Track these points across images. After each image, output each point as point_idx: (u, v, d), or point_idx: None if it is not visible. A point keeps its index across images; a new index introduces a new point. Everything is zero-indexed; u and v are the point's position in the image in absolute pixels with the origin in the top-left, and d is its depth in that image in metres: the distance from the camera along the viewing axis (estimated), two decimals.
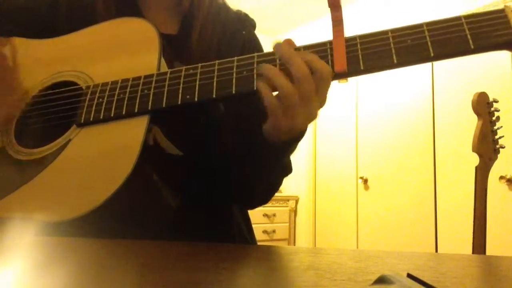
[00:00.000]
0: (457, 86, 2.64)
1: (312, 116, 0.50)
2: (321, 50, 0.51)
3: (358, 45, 0.50)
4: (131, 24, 0.61)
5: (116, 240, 0.45)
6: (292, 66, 0.49)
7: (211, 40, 0.67)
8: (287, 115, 0.49)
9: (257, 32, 0.77)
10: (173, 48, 0.64)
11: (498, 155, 1.31)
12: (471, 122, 1.41)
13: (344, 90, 3.37)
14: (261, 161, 0.58)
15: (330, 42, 0.51)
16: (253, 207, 0.71)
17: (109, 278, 0.26)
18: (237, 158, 0.61)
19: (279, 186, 0.66)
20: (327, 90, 0.50)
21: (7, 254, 0.33)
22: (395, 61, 0.48)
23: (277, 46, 0.51)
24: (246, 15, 0.76)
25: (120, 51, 0.59)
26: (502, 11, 0.46)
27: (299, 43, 0.53)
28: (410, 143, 2.88)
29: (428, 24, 0.48)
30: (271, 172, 0.61)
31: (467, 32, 0.47)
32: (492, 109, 1.32)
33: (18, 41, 0.65)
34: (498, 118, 1.32)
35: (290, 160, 0.64)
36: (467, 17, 0.47)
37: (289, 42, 0.52)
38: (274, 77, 0.49)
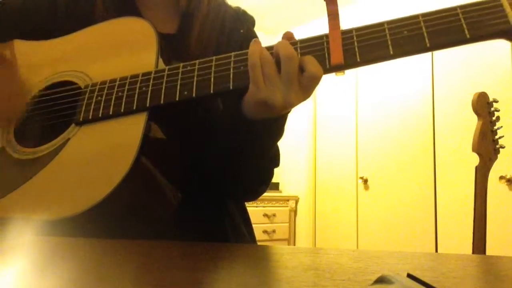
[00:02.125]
0: (457, 86, 2.64)
1: (291, 102, 0.50)
2: (318, 43, 0.51)
3: (354, 37, 0.50)
4: (129, 23, 0.61)
5: (116, 240, 0.45)
6: (278, 46, 0.50)
7: (210, 39, 0.67)
8: (266, 84, 0.50)
9: (256, 30, 0.77)
10: (172, 47, 0.64)
11: (498, 155, 1.31)
12: (471, 122, 1.41)
13: (344, 90, 3.37)
14: (243, 140, 0.57)
15: (326, 35, 0.51)
16: (242, 198, 0.70)
17: (109, 278, 0.26)
18: (222, 148, 0.61)
19: (267, 176, 0.65)
20: (314, 87, 0.50)
21: (7, 254, 0.33)
22: (391, 52, 0.48)
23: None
24: (244, 13, 0.76)
25: (118, 51, 0.60)
26: None
27: None
28: (410, 143, 2.88)
29: (424, 15, 0.49)
30: (254, 155, 0.60)
31: (463, 21, 0.47)
32: (492, 109, 1.32)
33: (17, 43, 0.65)
34: (498, 118, 1.32)
35: (277, 150, 0.63)
36: (462, 6, 0.48)
37: (287, 34, 0.53)
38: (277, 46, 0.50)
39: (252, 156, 0.60)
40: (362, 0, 3.23)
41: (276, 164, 0.64)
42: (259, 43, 0.52)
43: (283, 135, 0.60)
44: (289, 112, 0.55)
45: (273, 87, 0.49)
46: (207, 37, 0.67)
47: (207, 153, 0.61)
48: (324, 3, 0.52)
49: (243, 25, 0.73)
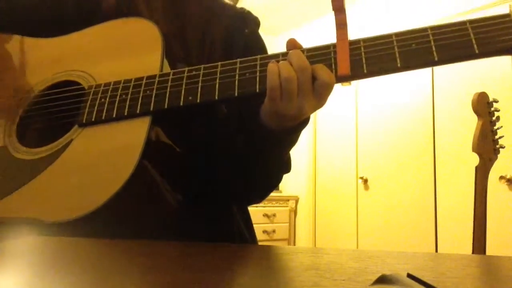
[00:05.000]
0: (457, 86, 2.64)
1: (304, 111, 0.51)
2: (325, 53, 0.51)
3: (362, 49, 0.49)
4: (134, 24, 0.61)
5: (116, 240, 0.45)
6: (292, 57, 0.50)
7: (214, 40, 0.67)
8: (284, 99, 0.50)
9: (259, 30, 0.76)
10: (176, 48, 0.64)
11: (498, 155, 1.31)
12: (471, 122, 1.41)
13: (344, 90, 3.37)
14: (258, 149, 0.57)
15: (333, 45, 0.51)
16: (250, 202, 0.70)
17: (109, 278, 0.26)
18: (238, 154, 0.61)
19: (277, 182, 0.65)
20: (327, 95, 0.51)
21: (7, 254, 0.33)
22: (398, 65, 0.48)
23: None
24: (249, 13, 0.75)
25: (123, 51, 0.59)
26: (507, 15, 0.46)
27: (301, 42, 0.53)
28: (410, 143, 2.88)
29: (433, 28, 0.48)
30: (269, 163, 0.61)
31: (472, 36, 0.46)
32: (492, 109, 1.32)
33: (22, 40, 0.65)
34: (498, 118, 1.32)
35: (289, 157, 0.64)
36: (472, 21, 0.47)
37: (291, 41, 0.53)
38: (291, 56, 0.50)
39: (266, 164, 0.60)
40: (361, 0, 3.23)
41: (288, 170, 0.65)
42: (276, 62, 0.51)
43: (296, 143, 0.60)
44: (307, 121, 0.55)
45: (289, 101, 0.50)
46: (212, 38, 0.66)
47: (217, 158, 0.62)
48: (327, 3, 0.51)
49: (247, 25, 0.73)
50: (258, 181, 0.64)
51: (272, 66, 0.50)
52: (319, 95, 0.50)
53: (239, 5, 0.77)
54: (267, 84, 0.50)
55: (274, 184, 0.65)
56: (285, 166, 0.64)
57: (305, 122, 0.55)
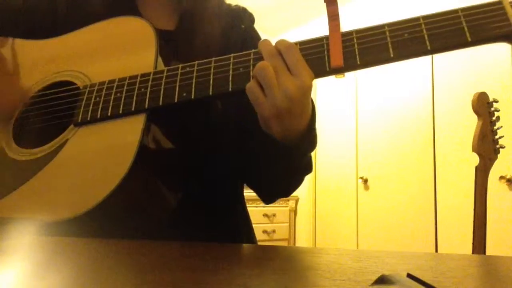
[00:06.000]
0: (457, 86, 2.64)
1: (290, 94, 0.48)
2: (318, 45, 0.51)
3: (355, 40, 0.50)
4: (128, 22, 0.61)
5: (116, 240, 0.45)
6: (260, 47, 0.52)
7: (210, 36, 0.67)
8: (267, 96, 0.49)
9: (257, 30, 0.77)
10: (171, 45, 0.64)
11: (498, 155, 1.31)
12: (471, 122, 1.41)
13: (343, 90, 3.37)
14: (264, 155, 0.57)
15: (326, 37, 0.51)
16: (272, 201, 0.70)
17: (109, 278, 0.26)
18: (239, 155, 0.61)
19: (299, 182, 0.64)
20: (296, 63, 0.49)
21: (7, 254, 0.33)
22: (391, 55, 0.48)
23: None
24: (244, 10, 0.76)
25: (117, 50, 0.59)
26: (499, 2, 0.46)
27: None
28: (410, 143, 2.88)
29: (425, 17, 0.48)
30: (274, 166, 0.60)
31: (464, 24, 0.46)
32: (492, 109, 1.32)
33: (16, 42, 0.65)
34: (498, 118, 1.32)
35: (310, 158, 0.62)
36: (464, 9, 0.47)
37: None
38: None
39: (283, 172, 0.59)
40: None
41: (309, 170, 0.63)
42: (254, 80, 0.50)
43: (316, 145, 0.59)
44: (313, 127, 0.55)
45: (270, 89, 0.48)
46: (207, 34, 0.67)
47: (216, 156, 0.61)
48: (324, 4, 0.51)
49: (243, 21, 0.73)
50: (276, 186, 0.63)
51: (249, 86, 0.50)
52: (294, 69, 0.49)
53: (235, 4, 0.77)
54: (246, 91, 0.50)
55: (296, 184, 0.64)
56: (306, 169, 0.62)
57: (311, 130, 0.54)
